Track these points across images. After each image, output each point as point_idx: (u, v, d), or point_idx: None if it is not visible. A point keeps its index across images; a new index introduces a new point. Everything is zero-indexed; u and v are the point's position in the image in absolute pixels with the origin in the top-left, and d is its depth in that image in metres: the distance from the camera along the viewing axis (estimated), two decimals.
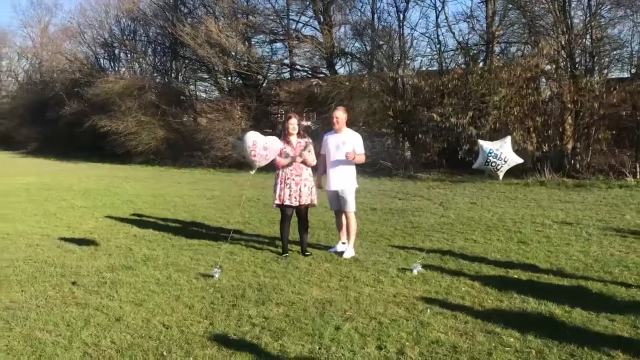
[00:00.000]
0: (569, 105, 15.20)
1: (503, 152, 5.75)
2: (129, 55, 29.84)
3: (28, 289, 5.46)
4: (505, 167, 5.80)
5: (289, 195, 6.64)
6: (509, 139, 5.99)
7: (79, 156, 26.59)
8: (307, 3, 21.17)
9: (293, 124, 6.74)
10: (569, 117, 15.43)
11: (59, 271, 6.10)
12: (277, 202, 6.76)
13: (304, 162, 6.67)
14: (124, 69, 29.97)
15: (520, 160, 5.96)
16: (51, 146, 31.55)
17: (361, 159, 6.84)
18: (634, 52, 16.01)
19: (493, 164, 5.78)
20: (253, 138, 6.04)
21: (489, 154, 5.77)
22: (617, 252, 6.70)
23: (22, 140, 36.74)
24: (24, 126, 36.29)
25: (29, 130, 35.35)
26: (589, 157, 14.78)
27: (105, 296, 5.23)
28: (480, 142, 6.06)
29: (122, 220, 9.49)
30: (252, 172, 6.31)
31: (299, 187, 6.65)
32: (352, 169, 6.91)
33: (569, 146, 15.30)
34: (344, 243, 6.98)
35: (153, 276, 5.89)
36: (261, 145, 6.02)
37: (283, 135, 6.83)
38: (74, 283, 5.65)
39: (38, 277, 5.86)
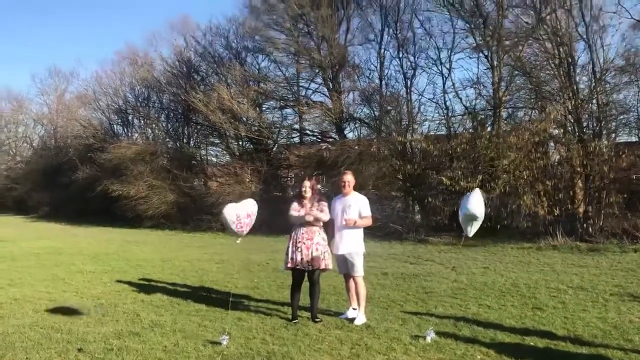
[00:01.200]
0: (579, 169, 15.21)
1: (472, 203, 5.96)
2: (142, 121, 30.47)
3: (33, 356, 5.36)
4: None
5: (301, 259, 6.59)
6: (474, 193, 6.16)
7: (90, 220, 26.68)
8: (317, 71, 21.72)
9: (305, 187, 6.79)
10: (579, 180, 15.42)
11: (65, 337, 6.00)
12: (288, 265, 6.71)
13: (316, 219, 6.65)
14: (137, 135, 30.51)
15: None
16: (63, 210, 31.75)
17: (367, 222, 6.81)
18: None
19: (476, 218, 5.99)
20: (233, 212, 6.04)
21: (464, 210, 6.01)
22: (636, 319, 6.51)
23: (35, 205, 37.05)
24: (37, 191, 36.67)
25: (41, 194, 35.70)
26: (601, 221, 14.63)
27: None
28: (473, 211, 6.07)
29: (130, 285, 9.40)
30: (238, 241, 6.29)
31: (310, 252, 6.59)
32: (359, 233, 6.86)
33: (581, 210, 15.19)
34: (354, 309, 6.85)
35: (160, 343, 5.77)
36: (244, 214, 6.07)
37: (297, 198, 6.87)
38: (80, 350, 5.54)
39: (44, 344, 5.76)
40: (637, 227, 13.59)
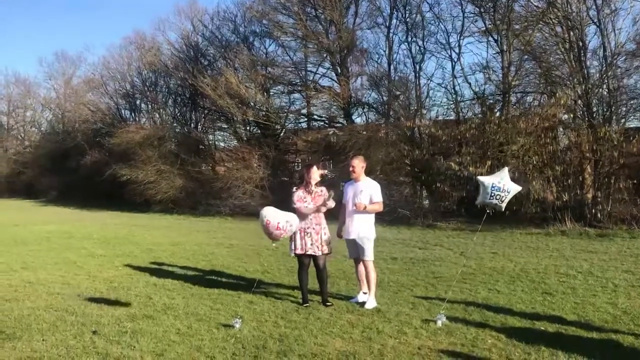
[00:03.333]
0: (588, 155, 15.11)
1: (505, 184, 6.07)
2: (149, 105, 30.52)
3: (49, 338, 5.44)
4: (508, 197, 6.08)
5: (311, 244, 6.63)
6: (505, 169, 6.30)
7: (98, 205, 26.83)
8: (325, 55, 21.63)
9: (313, 173, 6.78)
10: (588, 166, 15.34)
11: (80, 320, 6.08)
12: (297, 251, 6.73)
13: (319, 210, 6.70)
14: (144, 119, 30.60)
15: (519, 188, 6.28)
16: (71, 195, 31.95)
17: (377, 207, 6.79)
18: None
19: (497, 197, 6.07)
20: (275, 220, 5.96)
21: (492, 188, 6.06)
22: None
23: (43, 189, 37.30)
24: (45, 175, 36.90)
25: (50, 179, 35.93)
26: (610, 207, 14.56)
27: (126, 346, 5.19)
28: (480, 178, 6.39)
29: (142, 268, 9.50)
30: (274, 245, 6.27)
31: (320, 236, 6.64)
32: (370, 218, 6.87)
33: (589, 195, 15.13)
34: (365, 293, 6.90)
35: (173, 326, 5.84)
36: (284, 220, 5.97)
37: (303, 184, 6.87)
38: (94, 332, 5.62)
39: (59, 326, 5.84)
40: None
